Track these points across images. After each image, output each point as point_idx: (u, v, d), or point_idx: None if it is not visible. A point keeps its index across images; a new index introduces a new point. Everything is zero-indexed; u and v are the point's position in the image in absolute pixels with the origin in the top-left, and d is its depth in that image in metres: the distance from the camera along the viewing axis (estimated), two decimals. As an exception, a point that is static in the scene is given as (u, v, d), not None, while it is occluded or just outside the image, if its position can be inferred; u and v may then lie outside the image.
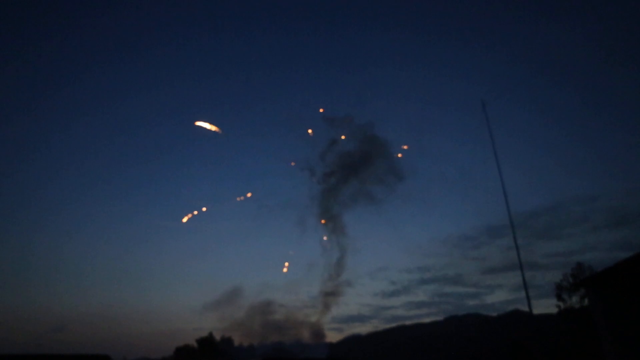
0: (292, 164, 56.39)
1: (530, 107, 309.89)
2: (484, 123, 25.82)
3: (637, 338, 15.40)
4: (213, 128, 50.49)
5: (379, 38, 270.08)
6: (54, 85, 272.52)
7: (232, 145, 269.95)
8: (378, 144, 56.89)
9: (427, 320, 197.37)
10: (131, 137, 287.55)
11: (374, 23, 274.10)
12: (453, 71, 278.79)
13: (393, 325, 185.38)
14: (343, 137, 56.16)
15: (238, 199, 58.01)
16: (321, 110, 55.22)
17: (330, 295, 61.46)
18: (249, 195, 58.73)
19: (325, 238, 57.57)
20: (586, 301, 44.09)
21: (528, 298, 21.90)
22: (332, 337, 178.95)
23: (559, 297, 49.93)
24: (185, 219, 57.01)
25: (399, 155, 54.69)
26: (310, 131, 55.57)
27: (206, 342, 79.54)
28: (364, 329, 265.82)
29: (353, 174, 58.22)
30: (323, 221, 56.00)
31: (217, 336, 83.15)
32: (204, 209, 57.17)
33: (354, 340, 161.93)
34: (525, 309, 27.46)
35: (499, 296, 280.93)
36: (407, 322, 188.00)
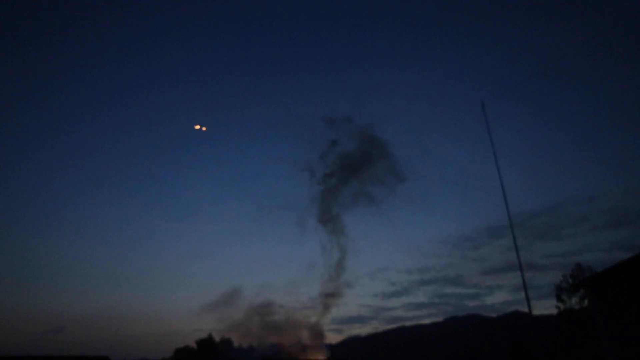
0: None
1: (529, 107, 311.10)
2: (483, 123, 25.81)
3: (637, 339, 15.37)
4: (203, 128, 50.62)
5: (379, 39, 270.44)
6: (54, 86, 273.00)
7: (233, 146, 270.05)
8: (378, 144, 56.93)
9: (427, 321, 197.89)
10: (131, 139, 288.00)
11: (374, 24, 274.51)
12: (452, 72, 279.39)
13: (393, 326, 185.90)
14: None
15: (196, 126, 57.18)
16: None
17: (330, 296, 61.45)
18: (204, 128, 57.99)
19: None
20: (586, 302, 44.06)
21: (528, 299, 21.88)
22: (332, 338, 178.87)
23: (559, 298, 49.88)
24: (197, 126, 56.40)
25: None
26: None
27: (206, 343, 79.42)
28: (363, 330, 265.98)
29: (353, 174, 58.27)
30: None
31: (217, 337, 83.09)
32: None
33: (353, 342, 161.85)
34: (525, 309, 27.40)
35: (498, 297, 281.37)
36: (407, 323, 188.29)
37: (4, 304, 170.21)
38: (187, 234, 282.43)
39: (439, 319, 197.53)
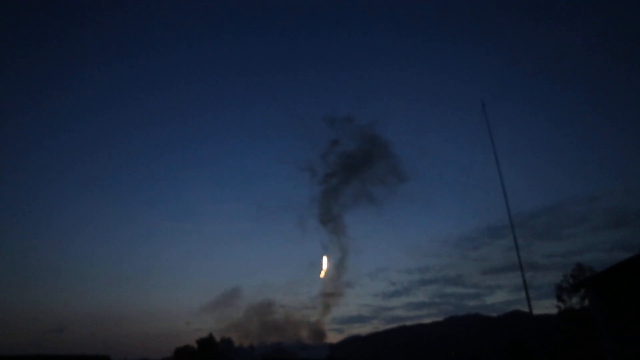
0: None
1: (529, 107, 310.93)
2: (484, 123, 25.80)
3: (638, 339, 15.39)
4: None
5: (379, 40, 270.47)
6: (55, 86, 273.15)
7: (233, 146, 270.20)
8: (379, 144, 56.79)
9: (427, 320, 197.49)
10: (132, 139, 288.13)
11: (375, 25, 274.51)
12: (453, 72, 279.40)
13: (393, 325, 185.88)
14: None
15: None
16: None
17: (330, 296, 61.45)
18: None
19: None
20: (586, 302, 44.07)
21: (528, 299, 21.89)
22: (332, 337, 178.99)
23: (559, 298, 49.89)
24: None
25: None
26: None
27: (206, 343, 79.53)
28: (364, 329, 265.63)
29: (354, 174, 58.26)
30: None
31: (217, 337, 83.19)
32: None
33: (354, 341, 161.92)
34: (526, 309, 27.42)
35: (499, 297, 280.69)
36: (408, 323, 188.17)
37: (5, 304, 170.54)
38: (188, 233, 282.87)
39: (440, 318, 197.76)
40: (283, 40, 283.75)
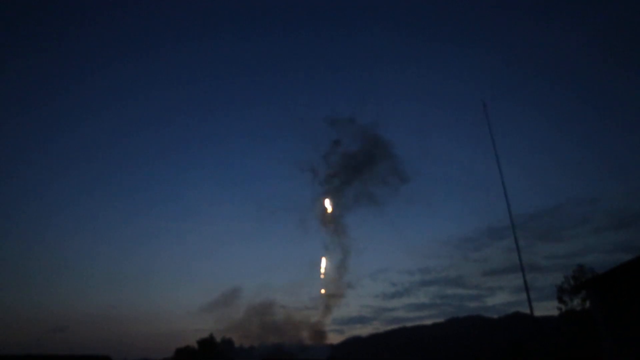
0: None
1: (531, 108, 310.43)
2: (485, 124, 25.70)
3: (638, 340, 15.36)
4: None
5: (380, 40, 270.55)
6: (55, 85, 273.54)
7: (235, 147, 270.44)
8: (381, 145, 56.67)
9: (428, 322, 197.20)
10: (133, 139, 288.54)
11: (376, 25, 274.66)
12: (454, 72, 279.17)
13: (394, 327, 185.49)
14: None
15: None
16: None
17: (331, 296, 61.41)
18: None
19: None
20: (587, 304, 43.98)
21: (529, 300, 21.79)
22: (333, 338, 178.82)
23: (560, 300, 49.79)
24: None
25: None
26: None
27: (207, 343, 79.54)
28: (364, 330, 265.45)
29: (356, 175, 58.15)
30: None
31: (218, 337, 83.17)
32: None
33: (354, 342, 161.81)
34: (526, 311, 27.34)
35: (500, 298, 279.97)
36: (408, 324, 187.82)
37: (5, 303, 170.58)
38: (189, 234, 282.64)
39: (440, 319, 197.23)
40: (284, 40, 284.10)
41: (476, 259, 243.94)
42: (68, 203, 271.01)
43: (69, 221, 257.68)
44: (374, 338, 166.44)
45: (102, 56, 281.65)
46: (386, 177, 56.88)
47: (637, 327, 15.45)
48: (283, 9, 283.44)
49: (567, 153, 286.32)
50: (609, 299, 16.87)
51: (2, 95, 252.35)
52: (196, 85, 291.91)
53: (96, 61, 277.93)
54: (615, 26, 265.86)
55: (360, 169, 56.30)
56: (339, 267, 59.88)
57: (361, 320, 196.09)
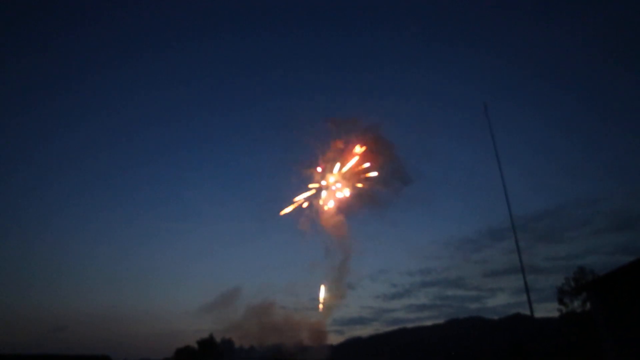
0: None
1: (532, 109, 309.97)
2: (486, 126, 25.74)
3: (639, 342, 15.34)
4: None
5: (381, 40, 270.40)
6: (54, 85, 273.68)
7: (234, 147, 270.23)
8: (382, 146, 56.56)
9: (428, 323, 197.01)
10: (132, 139, 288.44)
11: (377, 25, 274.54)
12: (455, 74, 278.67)
13: (394, 327, 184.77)
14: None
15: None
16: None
17: (331, 297, 61.34)
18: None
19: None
20: (588, 305, 43.92)
21: (529, 301, 21.80)
22: (333, 339, 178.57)
23: (561, 301, 49.71)
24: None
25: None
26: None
27: (207, 344, 79.51)
28: (365, 331, 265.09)
29: (357, 176, 58.03)
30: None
31: (218, 338, 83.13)
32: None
33: (355, 343, 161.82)
34: (527, 312, 27.36)
35: (500, 299, 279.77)
36: (408, 325, 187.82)
37: (5, 303, 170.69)
38: (189, 234, 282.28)
39: (440, 320, 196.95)
40: (284, 40, 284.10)
41: (477, 260, 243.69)
42: (68, 203, 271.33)
43: (69, 221, 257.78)
44: (374, 339, 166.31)
45: (101, 56, 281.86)
46: (388, 178, 56.70)
47: (637, 328, 15.43)
48: (282, 8, 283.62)
49: (568, 154, 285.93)
50: (610, 300, 16.86)
51: (2, 95, 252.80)
52: (195, 85, 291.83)
53: (95, 61, 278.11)
54: (615, 26, 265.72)
55: (362, 170, 56.20)
56: (340, 269, 59.81)
57: (361, 321, 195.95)
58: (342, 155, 56.19)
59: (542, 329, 54.25)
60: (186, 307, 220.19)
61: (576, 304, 48.34)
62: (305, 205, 56.87)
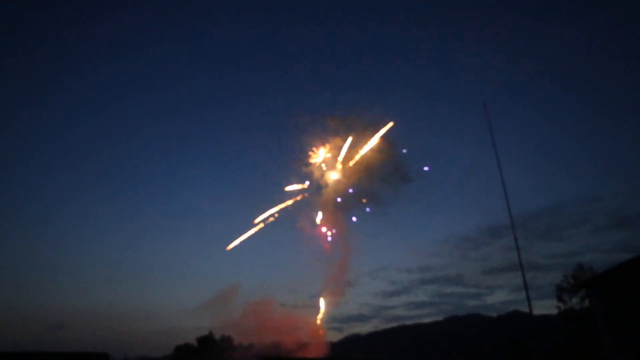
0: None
1: (531, 108, 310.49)
2: (485, 124, 25.67)
3: (638, 340, 15.35)
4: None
5: (380, 38, 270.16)
6: (54, 84, 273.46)
7: (233, 144, 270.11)
8: (383, 143, 56.34)
9: (427, 320, 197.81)
10: (131, 136, 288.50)
11: (376, 22, 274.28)
12: (454, 72, 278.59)
13: (393, 325, 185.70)
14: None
15: None
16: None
17: (331, 295, 61.34)
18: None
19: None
20: (587, 302, 44.03)
21: (528, 299, 21.81)
22: (332, 336, 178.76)
23: (560, 298, 49.85)
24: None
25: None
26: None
27: (206, 341, 79.50)
28: (364, 328, 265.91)
29: (358, 174, 57.89)
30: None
31: (217, 335, 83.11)
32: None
33: (354, 340, 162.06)
34: (526, 309, 27.41)
35: (499, 297, 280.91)
36: (408, 322, 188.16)
37: (4, 301, 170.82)
38: (188, 231, 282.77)
39: (439, 318, 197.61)
40: (284, 36, 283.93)
41: (476, 257, 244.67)
42: (67, 201, 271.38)
43: (68, 219, 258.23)
44: (373, 336, 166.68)
45: (100, 54, 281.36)
46: (388, 176, 56.56)
47: (636, 325, 15.45)
48: (282, 5, 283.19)
49: (567, 153, 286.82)
50: (608, 298, 16.87)
51: (2, 95, 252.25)
52: (195, 82, 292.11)
53: (95, 59, 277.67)
54: (615, 26, 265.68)
55: (363, 168, 56.08)
56: (340, 266, 59.75)
57: (360, 318, 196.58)
58: (342, 152, 56.15)
59: (540, 326, 54.43)
60: (185, 304, 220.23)
61: (575, 301, 48.49)
62: (303, 197, 56.78)
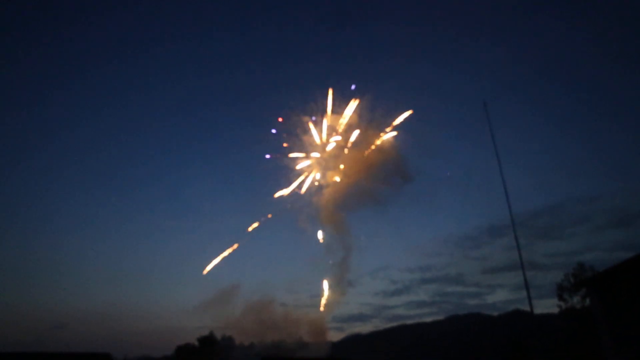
0: (280, 119, 55.27)
1: (531, 107, 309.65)
2: (486, 123, 25.79)
3: (638, 338, 15.40)
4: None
5: (379, 36, 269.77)
6: (54, 83, 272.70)
7: (233, 143, 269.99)
8: (384, 143, 56.40)
9: (428, 319, 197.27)
10: (131, 136, 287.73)
11: (375, 19, 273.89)
12: (455, 70, 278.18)
13: (394, 324, 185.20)
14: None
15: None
16: (280, 119, 54.73)
17: (332, 294, 61.41)
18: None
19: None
20: (587, 301, 44.06)
21: (529, 298, 21.93)
22: (333, 336, 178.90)
23: (560, 297, 49.91)
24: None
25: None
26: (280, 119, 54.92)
27: (207, 341, 79.60)
28: (365, 328, 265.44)
29: (358, 173, 57.96)
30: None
31: (218, 335, 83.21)
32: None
33: (355, 339, 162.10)
34: (526, 308, 27.48)
35: (500, 296, 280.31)
36: (408, 322, 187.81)
37: (5, 301, 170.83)
38: (188, 231, 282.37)
39: (440, 317, 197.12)
40: (283, 35, 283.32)
41: (476, 256, 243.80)
42: (67, 200, 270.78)
43: (68, 218, 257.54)
44: (374, 335, 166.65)
45: (101, 53, 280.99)
46: (388, 175, 56.65)
47: (636, 324, 15.49)
48: (280, 3, 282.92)
49: (568, 151, 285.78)
50: (609, 296, 16.92)
51: (2, 95, 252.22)
52: (195, 80, 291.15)
53: (95, 58, 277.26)
54: (615, 25, 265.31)
55: (363, 167, 56.17)
56: (341, 266, 59.87)
57: (361, 317, 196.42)
58: (341, 149, 56.25)
59: (541, 324, 54.44)
60: (186, 304, 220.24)
61: (575, 300, 48.54)
62: (302, 191, 56.84)
